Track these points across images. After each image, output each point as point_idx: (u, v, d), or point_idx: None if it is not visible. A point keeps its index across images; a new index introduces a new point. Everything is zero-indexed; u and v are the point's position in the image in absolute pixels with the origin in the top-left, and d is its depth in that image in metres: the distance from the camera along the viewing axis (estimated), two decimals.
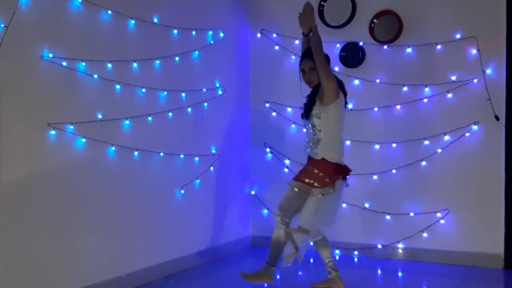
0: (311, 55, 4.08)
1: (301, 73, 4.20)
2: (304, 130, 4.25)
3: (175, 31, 4.87)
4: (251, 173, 5.85)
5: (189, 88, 5.03)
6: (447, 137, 5.09)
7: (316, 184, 4.08)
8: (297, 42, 5.44)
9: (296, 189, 4.13)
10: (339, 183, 4.14)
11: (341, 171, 4.16)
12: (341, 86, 4.16)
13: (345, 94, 4.20)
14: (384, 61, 5.31)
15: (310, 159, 4.17)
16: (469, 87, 5.01)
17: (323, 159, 4.08)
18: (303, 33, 4.23)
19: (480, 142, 5.01)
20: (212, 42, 5.30)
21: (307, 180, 4.10)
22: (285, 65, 5.58)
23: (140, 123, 4.52)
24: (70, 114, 3.96)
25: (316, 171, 4.08)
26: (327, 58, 4.13)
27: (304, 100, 4.20)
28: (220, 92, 5.41)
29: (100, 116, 4.17)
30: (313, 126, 4.10)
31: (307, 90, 4.20)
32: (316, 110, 4.08)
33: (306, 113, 4.13)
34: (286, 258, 4.17)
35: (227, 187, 5.58)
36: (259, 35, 5.72)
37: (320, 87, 4.08)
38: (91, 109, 4.13)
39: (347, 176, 4.20)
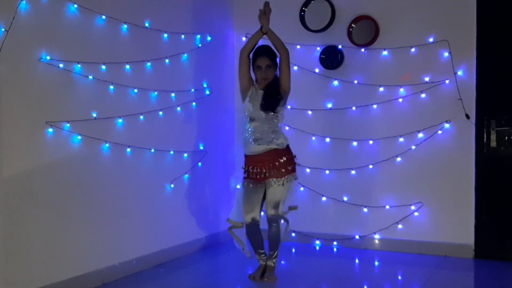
0: (268, 53, 4.29)
1: (255, 69, 4.34)
2: (251, 123, 4.32)
3: (165, 35, 4.90)
4: (236, 168, 5.83)
5: (178, 88, 5.06)
6: (420, 135, 5.13)
7: (292, 168, 4.39)
8: None
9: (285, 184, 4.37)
10: None
11: None
12: None
13: None
14: (361, 63, 5.35)
15: (275, 150, 4.32)
16: (441, 87, 5.06)
17: (287, 146, 4.39)
18: (262, 31, 4.30)
19: (452, 139, 5.06)
20: (200, 45, 5.32)
21: (288, 169, 4.36)
22: None
23: (132, 121, 4.54)
24: (67, 113, 3.99)
25: (287, 158, 4.34)
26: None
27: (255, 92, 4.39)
28: (207, 92, 5.43)
29: (94, 115, 4.20)
30: (275, 118, 4.31)
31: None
32: (280, 105, 4.34)
33: (274, 107, 4.31)
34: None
35: (213, 181, 5.57)
36: (244, 38, 5.66)
37: (277, 85, 4.31)
38: (86, 108, 4.14)
39: None
